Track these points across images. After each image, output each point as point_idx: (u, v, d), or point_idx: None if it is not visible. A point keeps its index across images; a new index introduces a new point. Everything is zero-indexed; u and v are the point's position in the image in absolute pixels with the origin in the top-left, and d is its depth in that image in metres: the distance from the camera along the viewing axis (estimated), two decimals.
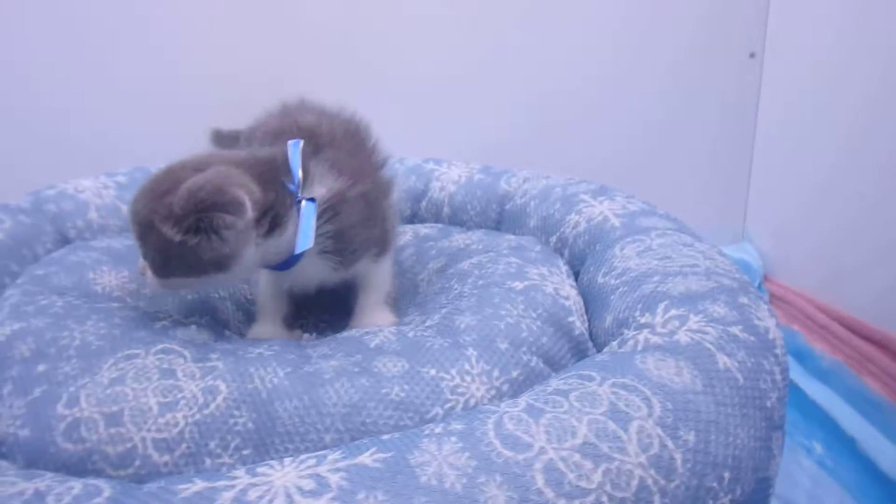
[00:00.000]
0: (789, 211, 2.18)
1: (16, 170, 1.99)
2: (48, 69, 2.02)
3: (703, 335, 0.97)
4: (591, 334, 1.20)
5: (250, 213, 1.04)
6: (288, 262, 1.17)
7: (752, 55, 2.22)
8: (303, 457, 0.81)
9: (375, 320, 1.28)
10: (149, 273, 1.10)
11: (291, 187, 1.14)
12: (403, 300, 1.44)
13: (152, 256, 1.07)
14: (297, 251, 1.11)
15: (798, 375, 1.87)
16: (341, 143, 1.28)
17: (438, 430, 0.82)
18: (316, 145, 1.22)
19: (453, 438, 0.79)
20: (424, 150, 1.92)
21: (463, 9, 2.12)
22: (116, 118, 2.04)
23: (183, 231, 1.03)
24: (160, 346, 1.06)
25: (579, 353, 1.14)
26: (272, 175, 1.12)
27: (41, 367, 1.02)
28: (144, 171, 1.65)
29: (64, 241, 1.51)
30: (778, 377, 0.97)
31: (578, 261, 1.37)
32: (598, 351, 1.14)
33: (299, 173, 1.15)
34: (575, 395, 0.86)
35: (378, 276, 1.32)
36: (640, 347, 0.99)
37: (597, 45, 2.21)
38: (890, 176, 1.72)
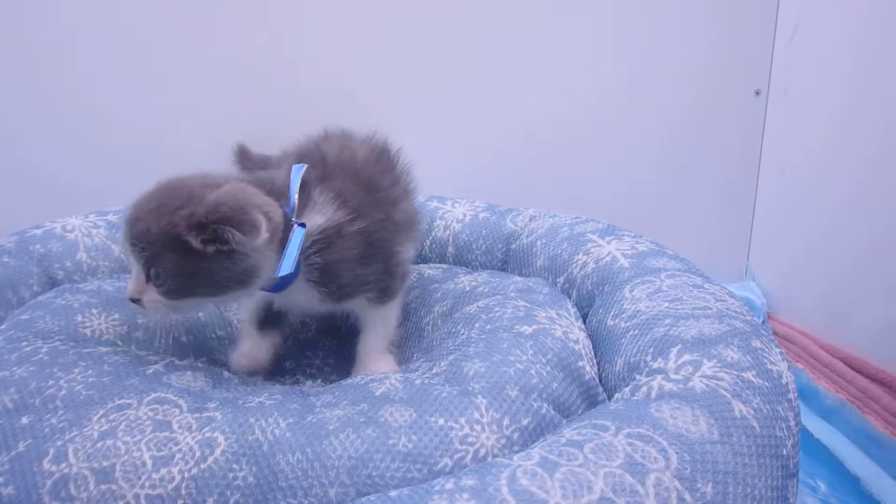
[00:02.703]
0: (793, 249, 2.15)
1: None
2: (29, 108, 1.99)
3: (718, 381, 0.94)
4: (600, 378, 1.17)
5: (264, 234, 1.04)
6: (278, 284, 1.16)
7: (757, 92, 2.20)
8: None
9: (378, 367, 1.25)
10: (151, 296, 1.06)
11: (287, 210, 1.13)
12: (408, 344, 1.41)
13: (167, 275, 1.04)
14: (277, 275, 1.10)
15: (802, 414, 1.83)
16: (357, 174, 1.27)
17: (449, 485, 0.79)
18: (326, 173, 1.21)
19: (465, 495, 0.76)
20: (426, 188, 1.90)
21: (467, 44, 2.11)
22: (104, 159, 2.01)
23: (210, 241, 1.03)
24: (154, 396, 1.03)
25: (589, 399, 1.11)
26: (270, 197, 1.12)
27: (25, 420, 0.98)
28: None
29: (51, 283, 1.46)
30: (792, 423, 0.94)
31: (587, 302, 1.34)
32: (609, 396, 1.12)
33: (295, 198, 1.14)
34: (590, 447, 0.83)
35: (379, 321, 1.29)
36: (653, 395, 0.96)
37: (601, 81, 2.19)
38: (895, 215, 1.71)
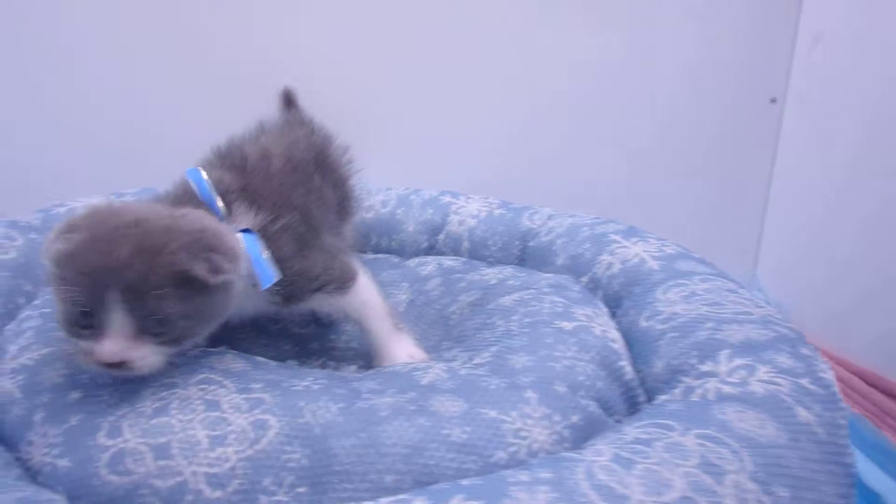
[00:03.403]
0: (804, 261, 2.16)
1: (18, 186, 1.94)
2: (55, 85, 1.97)
3: (778, 387, 0.94)
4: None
5: (245, 254, 1.02)
6: None
7: (773, 100, 2.20)
8: (384, 501, 0.76)
9: (399, 349, 1.23)
10: (144, 352, 0.94)
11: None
12: (432, 331, 1.40)
13: (174, 320, 0.94)
14: (264, 286, 1.06)
15: None
16: (277, 173, 1.25)
17: (525, 477, 0.78)
18: (242, 177, 1.18)
19: (545, 488, 0.75)
20: (428, 183, 1.90)
21: (476, 42, 2.10)
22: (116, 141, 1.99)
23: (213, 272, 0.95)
24: (200, 376, 1.01)
25: (629, 399, 1.11)
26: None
27: (75, 395, 0.97)
28: (151, 192, 1.59)
29: None
30: (846, 433, 0.93)
31: (614, 303, 1.33)
32: (649, 397, 1.11)
33: (219, 204, 1.11)
34: (661, 446, 0.83)
35: (361, 306, 1.25)
36: (711, 397, 0.96)
37: (616, 81, 2.18)
38: None
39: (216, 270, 0.95)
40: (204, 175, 1.13)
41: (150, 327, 0.92)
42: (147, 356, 0.94)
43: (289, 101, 1.62)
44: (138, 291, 0.90)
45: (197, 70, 2.02)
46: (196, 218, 1.01)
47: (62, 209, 1.53)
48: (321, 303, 1.22)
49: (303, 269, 1.16)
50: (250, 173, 1.21)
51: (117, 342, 0.91)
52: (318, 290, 1.19)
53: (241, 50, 2.01)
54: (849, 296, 1.95)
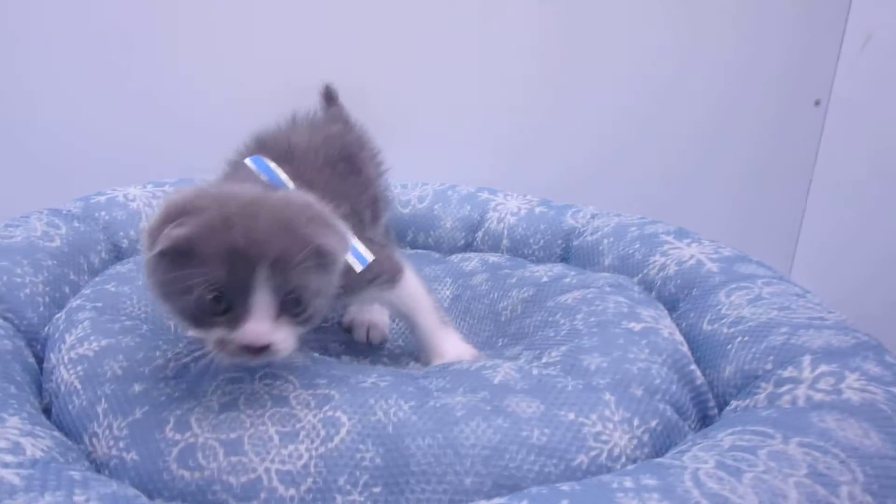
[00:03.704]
0: (841, 267, 2.13)
1: (55, 174, 1.93)
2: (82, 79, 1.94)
3: (872, 395, 0.90)
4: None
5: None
6: None
7: (816, 102, 2.17)
8: (484, 502, 0.74)
9: (450, 346, 1.20)
10: (285, 333, 0.90)
11: None
12: (482, 327, 1.38)
13: (310, 299, 0.91)
14: (362, 267, 1.04)
15: None
16: (324, 164, 1.22)
17: (628, 483, 0.75)
18: (291, 166, 1.15)
19: (655, 495, 0.72)
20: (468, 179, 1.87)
21: (497, 34, 2.07)
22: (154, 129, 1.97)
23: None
24: (263, 371, 0.97)
25: (700, 405, 1.07)
26: None
27: (137, 387, 0.94)
28: (190, 182, 1.57)
29: (116, 250, 1.43)
30: None
31: (669, 305, 1.30)
32: (719, 402, 1.08)
33: (292, 187, 1.08)
34: (764, 454, 0.79)
35: (411, 303, 1.22)
36: (801, 403, 0.92)
37: (659, 79, 2.15)
38: None
39: (341, 245, 0.93)
40: (270, 163, 1.09)
41: (288, 306, 0.88)
42: (287, 338, 0.89)
43: (329, 97, 1.60)
44: (284, 267, 0.86)
45: (219, 70, 1.99)
46: (300, 196, 0.97)
47: (102, 198, 1.50)
48: (373, 296, 1.20)
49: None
50: (299, 163, 1.17)
51: (264, 323, 0.87)
52: (371, 281, 1.15)
53: (265, 50, 1.99)
54: (886, 299, 1.92)
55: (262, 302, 0.86)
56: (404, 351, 1.33)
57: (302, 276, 0.88)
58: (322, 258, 0.90)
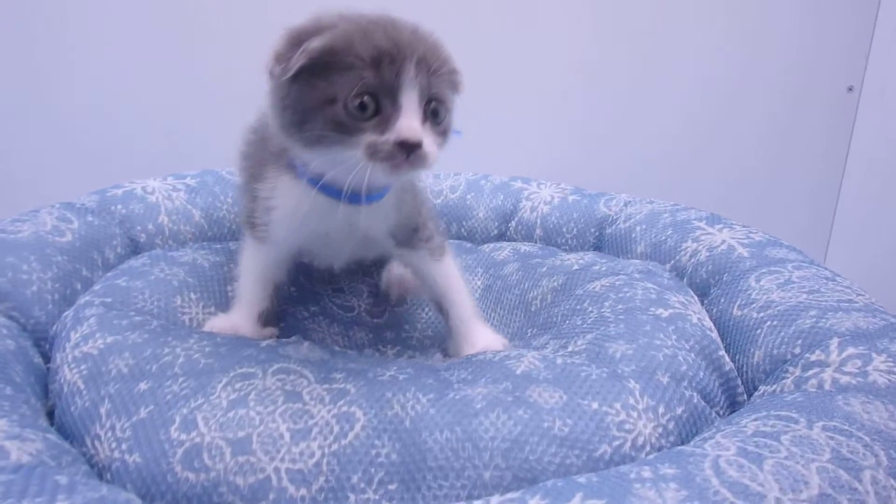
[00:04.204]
0: (874, 253, 2.09)
1: (71, 167, 1.94)
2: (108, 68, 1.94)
3: None
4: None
5: None
6: (377, 194, 1.04)
7: (850, 89, 2.14)
8: (495, 500, 0.71)
9: (483, 338, 1.16)
10: (429, 140, 0.90)
11: None
12: (512, 317, 1.36)
13: (447, 113, 0.94)
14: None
15: None
16: None
17: (647, 473, 0.72)
18: None
19: (673, 485, 0.69)
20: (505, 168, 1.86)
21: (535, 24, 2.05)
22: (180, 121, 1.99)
23: None
24: (277, 366, 0.95)
25: (729, 391, 1.04)
26: None
27: (143, 385, 0.91)
28: (214, 174, 1.56)
29: (133, 244, 1.39)
30: None
31: (700, 291, 1.28)
32: (748, 388, 1.05)
33: None
34: (787, 439, 0.76)
35: (448, 282, 1.19)
36: (828, 387, 0.89)
37: (698, 71, 2.13)
38: None
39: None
40: None
41: (430, 114, 0.90)
42: (432, 144, 0.90)
43: None
44: (428, 68, 0.88)
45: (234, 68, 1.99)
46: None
47: (118, 191, 1.46)
48: (420, 261, 1.18)
49: (418, 212, 1.15)
50: None
51: (416, 119, 0.88)
52: (426, 241, 1.16)
53: None
54: None
55: (411, 101, 0.88)
56: (434, 341, 1.32)
57: (441, 85, 0.90)
58: (452, 75, 0.92)
